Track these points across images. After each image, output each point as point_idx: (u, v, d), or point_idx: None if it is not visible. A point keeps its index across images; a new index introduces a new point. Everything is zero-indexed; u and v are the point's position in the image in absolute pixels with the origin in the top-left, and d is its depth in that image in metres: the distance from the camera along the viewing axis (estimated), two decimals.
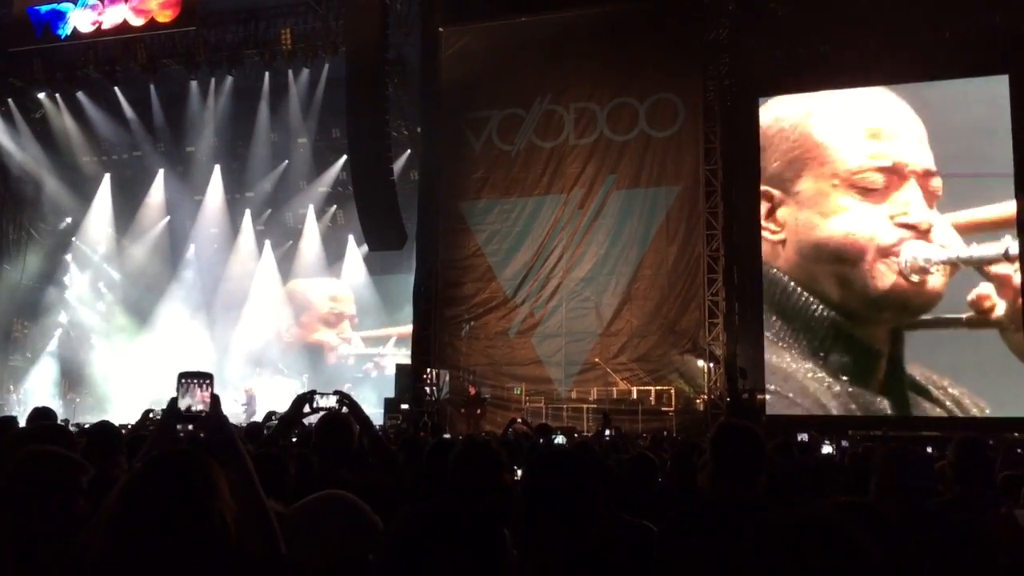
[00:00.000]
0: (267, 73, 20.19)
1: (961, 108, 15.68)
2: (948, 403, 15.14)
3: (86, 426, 7.04)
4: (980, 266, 15.18)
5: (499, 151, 18.12)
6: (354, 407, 4.21)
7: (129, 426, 7.60)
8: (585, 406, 15.93)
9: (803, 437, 9.56)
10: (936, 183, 15.42)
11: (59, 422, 6.61)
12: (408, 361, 18.51)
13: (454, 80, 18.31)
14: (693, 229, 16.72)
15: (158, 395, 20.30)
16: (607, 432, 10.68)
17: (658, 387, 16.06)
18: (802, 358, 16.08)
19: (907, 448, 3.40)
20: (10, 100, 21.37)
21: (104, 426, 4.23)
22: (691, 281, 16.65)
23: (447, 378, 17.54)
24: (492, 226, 18.03)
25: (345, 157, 20.07)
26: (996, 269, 15.10)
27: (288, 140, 21.59)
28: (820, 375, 15.90)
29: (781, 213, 16.49)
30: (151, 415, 7.05)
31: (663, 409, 15.70)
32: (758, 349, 16.46)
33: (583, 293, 17.26)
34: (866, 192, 15.75)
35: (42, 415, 5.76)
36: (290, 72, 20.06)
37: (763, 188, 16.65)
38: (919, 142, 15.64)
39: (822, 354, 16.01)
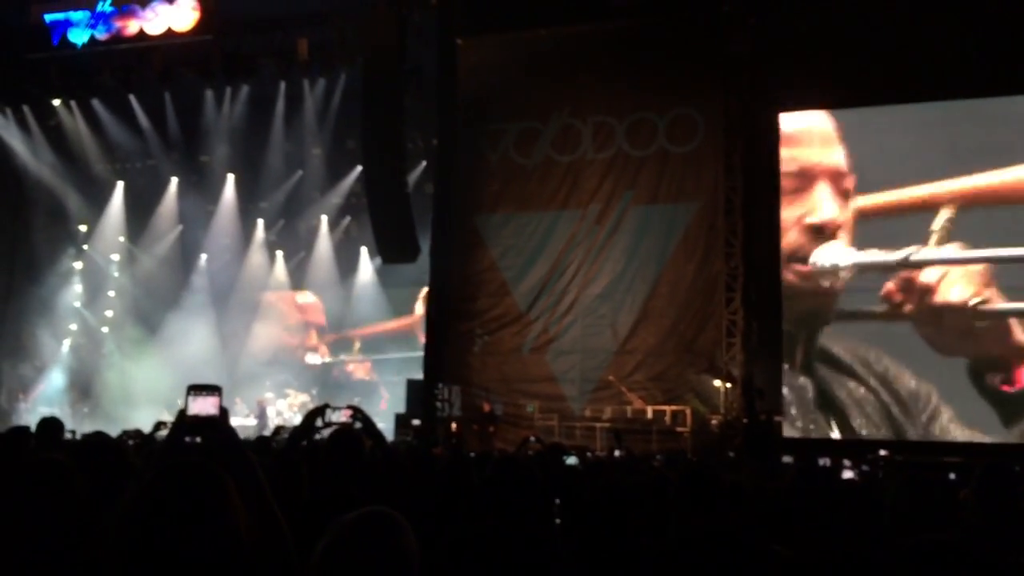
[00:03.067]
0: (283, 83, 20.13)
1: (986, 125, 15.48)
2: (872, 381, 15.38)
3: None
4: (886, 271, 15.57)
5: (516, 164, 17.98)
6: (367, 422, 4.16)
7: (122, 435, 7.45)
8: (598, 425, 15.70)
9: (824, 462, 9.38)
10: (849, 181, 15.88)
11: (66, 432, 6.46)
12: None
13: (471, 92, 18.20)
14: (712, 246, 16.51)
15: (169, 405, 20.26)
16: (616, 452, 10.50)
17: (673, 407, 15.81)
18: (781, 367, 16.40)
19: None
20: (25, 107, 21.38)
21: (97, 438, 4.10)
22: (709, 299, 16.44)
23: (459, 394, 17.36)
24: (507, 240, 17.87)
25: (360, 168, 19.99)
26: (901, 273, 15.47)
27: (303, 150, 21.53)
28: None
29: None
30: (162, 426, 6.97)
31: (678, 429, 15.47)
32: (776, 370, 16.21)
33: (599, 310, 17.06)
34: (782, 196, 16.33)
35: (49, 425, 5.62)
36: (306, 82, 20.00)
37: None
38: (828, 141, 16.19)
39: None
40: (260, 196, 22.56)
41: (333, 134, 20.79)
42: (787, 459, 11.44)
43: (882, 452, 12.81)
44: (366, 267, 22.85)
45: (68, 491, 2.47)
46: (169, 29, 18.66)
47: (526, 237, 17.75)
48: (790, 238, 16.16)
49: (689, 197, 16.87)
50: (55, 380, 22.66)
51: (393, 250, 18.01)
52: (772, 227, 16.43)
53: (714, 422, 15.87)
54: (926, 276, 15.27)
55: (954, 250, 15.13)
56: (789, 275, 16.15)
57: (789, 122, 16.66)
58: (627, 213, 17.18)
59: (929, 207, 15.31)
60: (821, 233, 15.92)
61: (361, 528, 2.15)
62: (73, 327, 23.00)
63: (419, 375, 18.01)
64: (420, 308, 21.81)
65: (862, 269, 15.67)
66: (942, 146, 15.53)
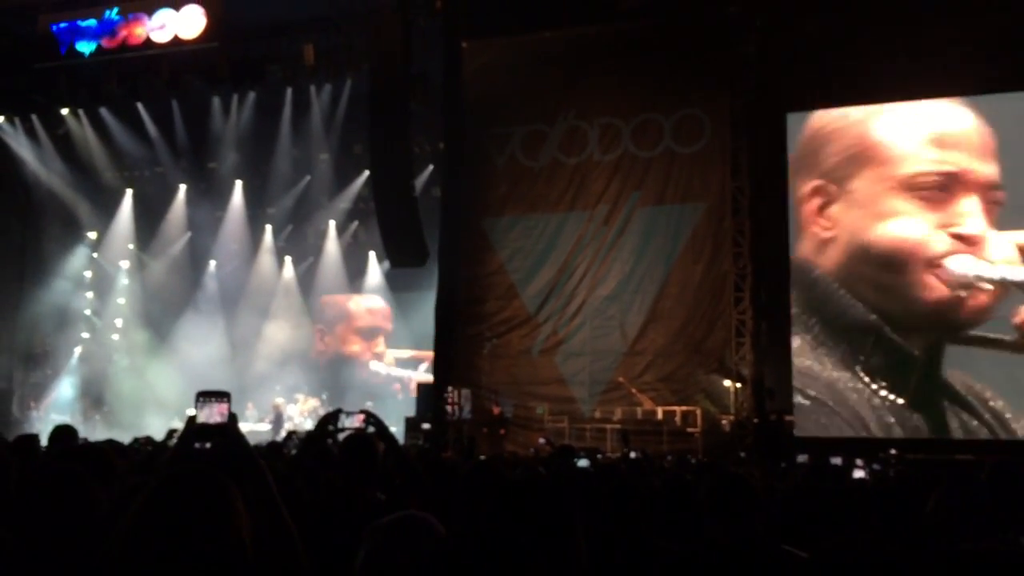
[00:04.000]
0: (289, 89, 20.16)
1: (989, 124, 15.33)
2: (987, 416, 14.49)
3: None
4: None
5: (522, 167, 17.99)
6: (380, 426, 4.16)
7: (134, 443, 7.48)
8: (608, 426, 15.68)
9: (836, 461, 9.35)
10: (998, 196, 14.77)
11: (79, 440, 6.49)
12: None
13: (477, 95, 18.22)
14: (720, 247, 16.49)
15: (180, 412, 20.32)
16: (632, 453, 10.49)
17: (683, 407, 15.80)
18: (842, 365, 15.55)
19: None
20: (34, 117, 21.45)
21: (100, 446, 4.13)
22: (717, 300, 16.42)
23: (469, 397, 17.36)
24: (515, 243, 17.88)
25: (367, 173, 20.00)
26: None
27: (310, 156, 21.57)
28: (857, 383, 15.35)
29: (834, 210, 15.88)
30: (175, 434, 7.00)
31: (688, 430, 15.46)
32: (785, 369, 16.16)
33: (607, 311, 17.05)
34: (922, 198, 15.14)
35: (62, 433, 5.63)
36: (312, 88, 20.02)
37: (818, 183, 16.02)
38: (984, 153, 15.00)
39: (861, 358, 15.38)
40: (268, 202, 22.61)
41: (340, 139, 20.83)
42: (802, 458, 11.39)
43: (892, 451, 12.76)
44: (374, 272, 22.88)
45: (85, 500, 2.48)
46: (176, 37, 18.69)
47: (534, 239, 17.76)
48: (931, 245, 14.92)
49: (696, 197, 16.85)
50: (67, 388, 22.72)
51: (401, 254, 18.02)
52: (780, 226, 16.40)
53: (724, 422, 15.84)
54: None
55: None
56: (922, 287, 14.92)
57: (940, 119, 15.37)
58: (634, 214, 17.17)
59: None
60: (966, 243, 14.74)
61: (400, 532, 2.19)
62: (84, 335, 23.06)
63: None
64: None
65: (1004, 286, 14.53)
66: None
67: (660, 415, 15.71)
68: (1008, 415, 14.47)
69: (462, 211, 18.23)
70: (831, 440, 15.00)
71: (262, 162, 21.71)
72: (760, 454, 13.98)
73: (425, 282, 19.51)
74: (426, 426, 16.36)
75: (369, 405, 18.46)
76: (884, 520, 3.75)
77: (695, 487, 4.94)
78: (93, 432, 18.19)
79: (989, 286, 14.58)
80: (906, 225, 15.15)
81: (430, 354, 21.27)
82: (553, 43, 17.75)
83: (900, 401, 15.07)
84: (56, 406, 22.02)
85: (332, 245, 23.08)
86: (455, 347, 17.82)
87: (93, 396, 22.48)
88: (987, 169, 14.92)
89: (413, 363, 23.17)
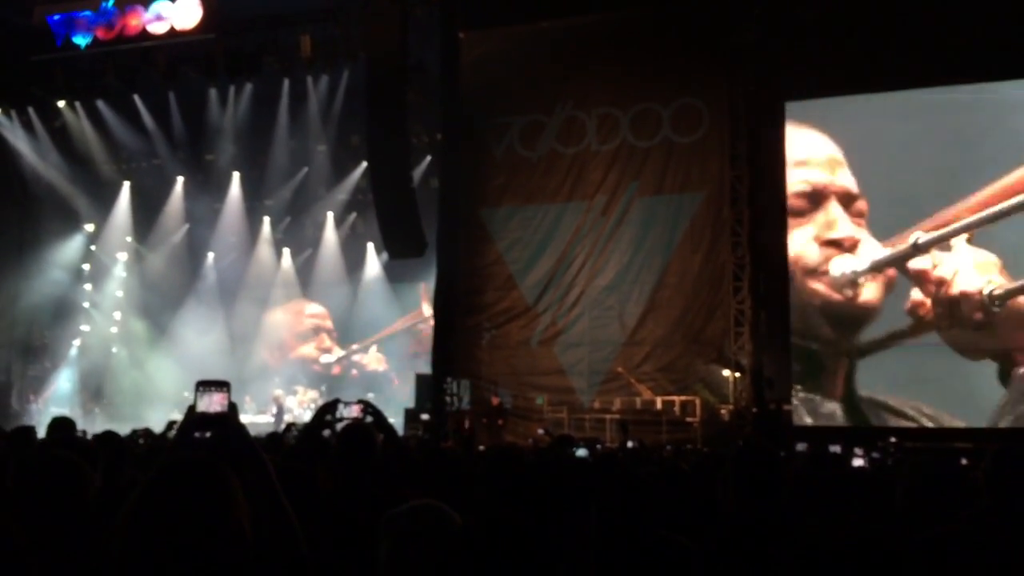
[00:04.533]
0: (286, 80, 20.14)
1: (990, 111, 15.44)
2: (926, 422, 15.21)
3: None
4: (900, 266, 15.51)
5: (520, 157, 17.95)
6: (378, 417, 4.16)
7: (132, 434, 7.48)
8: (608, 416, 15.69)
9: (835, 449, 9.37)
10: (860, 204, 15.89)
11: (77, 432, 6.49)
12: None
13: (475, 86, 18.17)
14: (718, 236, 16.47)
15: (179, 403, 20.32)
16: (630, 442, 10.52)
17: (682, 397, 15.81)
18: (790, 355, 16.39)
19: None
20: (30, 109, 21.42)
21: (108, 435, 4.13)
22: (716, 289, 16.40)
23: (468, 388, 17.37)
24: (513, 233, 17.85)
25: (365, 164, 19.98)
26: (914, 265, 15.39)
27: (307, 147, 21.54)
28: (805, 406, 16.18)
29: None
30: (175, 426, 7.00)
31: (687, 420, 15.47)
32: (784, 359, 16.19)
33: (606, 302, 17.03)
34: (794, 215, 16.31)
35: (61, 425, 5.64)
36: (309, 79, 19.99)
37: None
38: (837, 167, 16.19)
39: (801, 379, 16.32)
40: (266, 194, 22.59)
41: (338, 130, 20.81)
42: (801, 447, 11.42)
43: (892, 439, 12.78)
44: (373, 263, 22.87)
45: (81, 488, 2.49)
46: (172, 28, 18.64)
47: (532, 230, 17.73)
48: (809, 256, 16.10)
49: (695, 187, 16.82)
50: (66, 380, 22.73)
51: (399, 245, 18.01)
52: (778, 216, 16.40)
53: (724, 412, 15.85)
54: (940, 270, 15.20)
55: (958, 225, 15.12)
56: (812, 295, 16.04)
57: (797, 146, 16.61)
58: (633, 204, 17.14)
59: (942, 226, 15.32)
60: (840, 247, 15.89)
61: (419, 520, 2.20)
62: (83, 327, 23.05)
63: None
64: (427, 310, 21.96)
65: (879, 269, 15.60)
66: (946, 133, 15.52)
67: (659, 405, 15.72)
68: (941, 421, 15.15)
69: (460, 202, 18.22)
70: (830, 429, 15.08)
71: (260, 154, 21.69)
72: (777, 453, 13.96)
73: (423, 273, 19.54)
74: (425, 417, 16.37)
75: (370, 396, 18.49)
76: (882, 507, 3.76)
77: (692, 475, 4.96)
78: (93, 424, 18.19)
79: (865, 277, 15.66)
80: (790, 242, 16.35)
81: (377, 336, 21.43)
82: (551, 33, 17.71)
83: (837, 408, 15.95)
84: (55, 399, 22.03)
85: (330, 236, 23.07)
86: (454, 338, 17.82)
87: (92, 388, 22.50)
88: (840, 179, 16.13)
89: (364, 348, 23.59)
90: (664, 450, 10.93)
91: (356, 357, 23.66)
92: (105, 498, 2.63)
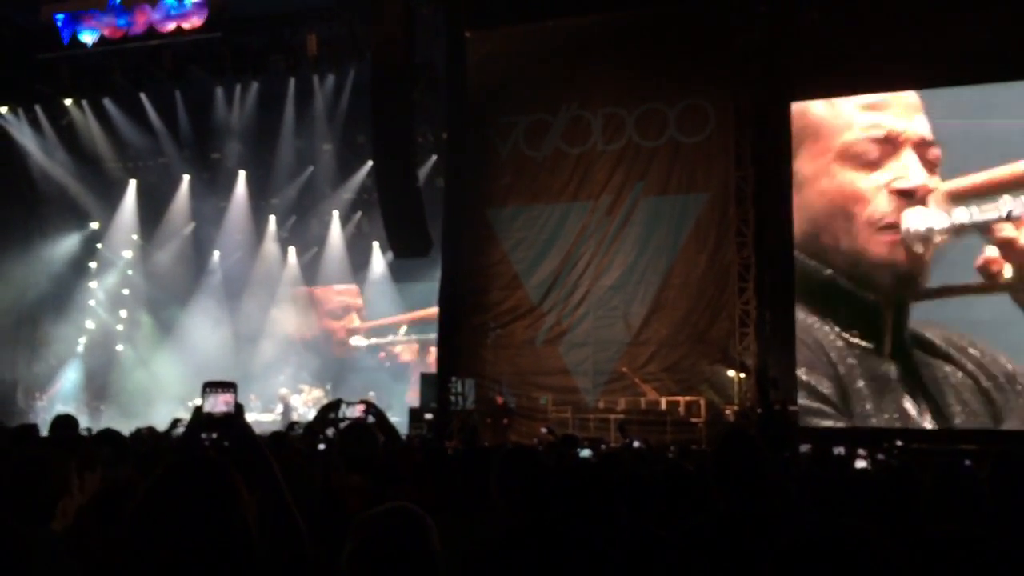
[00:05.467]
0: (292, 79, 20.15)
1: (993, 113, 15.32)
2: (970, 365, 14.76)
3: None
4: (984, 231, 14.89)
5: (526, 157, 17.94)
6: (380, 417, 4.17)
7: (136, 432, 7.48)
8: (612, 416, 15.65)
9: (839, 451, 9.36)
10: (935, 152, 15.25)
11: (81, 430, 6.51)
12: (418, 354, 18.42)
13: (480, 85, 18.17)
14: (723, 236, 16.45)
15: (184, 401, 20.36)
16: (636, 443, 10.49)
17: (687, 398, 15.78)
18: (821, 322, 15.96)
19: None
20: (37, 107, 21.48)
21: (107, 433, 4.14)
22: (721, 289, 16.38)
23: (473, 387, 17.37)
24: (518, 233, 17.84)
25: (370, 163, 20.00)
26: (1001, 232, 14.78)
27: (313, 146, 21.56)
28: (834, 338, 15.74)
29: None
30: (179, 423, 7.02)
31: (692, 420, 15.44)
32: (789, 359, 16.15)
33: (611, 302, 17.02)
34: (862, 163, 15.67)
35: (64, 422, 5.66)
36: (315, 78, 20.00)
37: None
38: (913, 112, 15.63)
39: (836, 313, 15.85)
40: (271, 192, 22.60)
41: (343, 129, 20.81)
42: (805, 448, 11.42)
43: (898, 442, 12.76)
44: (378, 262, 22.89)
45: (62, 487, 2.50)
46: (179, 27, 18.68)
47: (537, 229, 17.72)
48: (877, 205, 15.39)
49: (700, 187, 16.80)
50: (71, 378, 22.80)
51: (405, 245, 18.02)
52: (784, 216, 16.36)
53: (728, 413, 15.83)
54: None
55: None
56: (876, 247, 15.39)
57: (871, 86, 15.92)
58: (638, 204, 17.13)
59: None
60: (911, 198, 15.19)
61: (387, 525, 2.17)
62: (88, 325, 23.11)
63: None
64: None
65: (958, 232, 14.88)
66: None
67: (664, 405, 15.70)
68: (986, 358, 14.73)
69: (465, 201, 18.20)
70: (835, 430, 15.05)
71: (265, 152, 21.73)
72: (763, 444, 13.95)
73: (428, 272, 19.54)
74: (429, 416, 16.39)
75: (371, 396, 18.51)
76: (883, 508, 3.74)
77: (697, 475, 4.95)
78: (98, 422, 18.24)
79: (944, 236, 15.00)
80: (850, 190, 15.69)
81: (408, 316, 21.39)
82: (556, 32, 17.69)
83: (873, 354, 15.45)
84: (60, 396, 22.10)
85: (336, 235, 23.08)
86: (459, 337, 17.82)
87: (97, 386, 22.56)
88: (918, 127, 15.49)
89: (393, 328, 23.25)
90: (668, 450, 10.92)
91: (395, 347, 23.49)
92: (103, 496, 2.64)
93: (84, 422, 7.17)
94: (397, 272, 22.38)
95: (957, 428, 14.70)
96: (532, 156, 17.91)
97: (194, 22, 18.59)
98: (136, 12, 18.93)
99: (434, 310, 19.53)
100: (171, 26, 18.73)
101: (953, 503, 3.31)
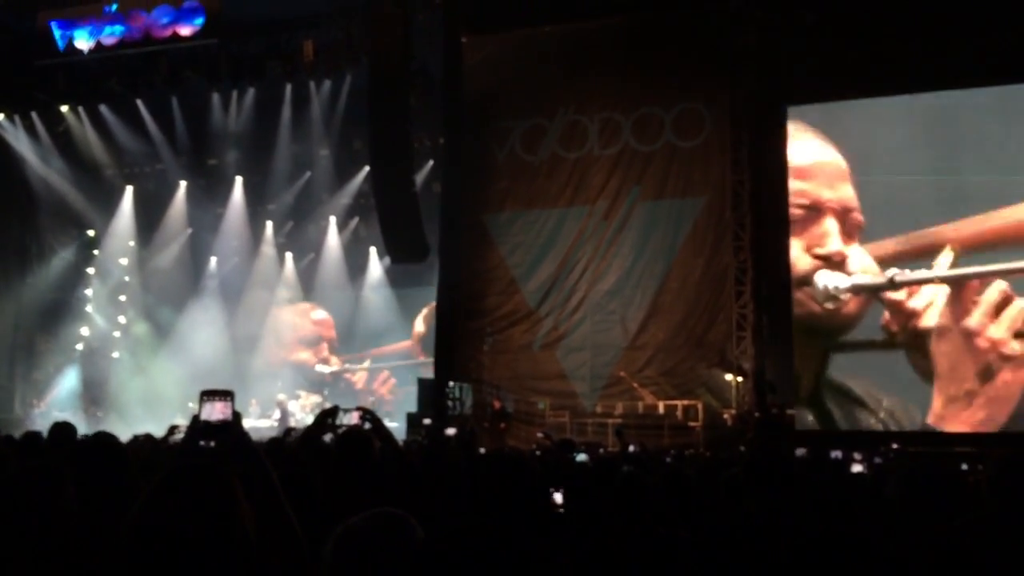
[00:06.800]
0: (289, 85, 20.15)
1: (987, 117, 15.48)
2: (882, 414, 15.53)
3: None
4: (876, 294, 15.78)
5: (523, 162, 17.97)
6: (377, 424, 4.17)
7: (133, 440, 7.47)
8: (610, 421, 15.64)
9: (836, 454, 9.35)
10: (855, 218, 16.02)
11: (78, 437, 6.50)
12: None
13: (477, 90, 18.20)
14: (720, 240, 16.48)
15: (182, 408, 20.32)
16: (632, 447, 10.48)
17: (685, 401, 15.78)
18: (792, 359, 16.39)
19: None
20: (34, 114, 21.46)
21: (101, 438, 4.12)
22: (718, 293, 16.41)
23: (470, 392, 17.36)
24: (515, 238, 17.86)
25: (367, 169, 19.97)
26: (889, 295, 15.67)
27: (310, 152, 21.55)
28: None
29: None
30: (175, 430, 7.01)
31: (690, 424, 15.43)
32: (787, 363, 16.17)
33: (608, 306, 17.04)
34: (790, 226, 16.41)
35: (62, 430, 5.64)
36: (312, 84, 19.99)
37: None
38: (837, 179, 16.24)
39: None
40: (268, 198, 22.57)
41: (340, 135, 20.81)
42: (800, 452, 11.42)
43: (894, 445, 12.77)
44: (375, 267, 22.86)
45: (57, 498, 2.49)
46: (175, 33, 18.71)
47: (534, 234, 17.74)
48: (798, 265, 16.26)
49: (697, 191, 16.83)
50: (68, 385, 22.74)
51: (402, 250, 18.02)
52: (780, 220, 16.39)
53: (726, 416, 15.83)
54: (913, 302, 15.50)
55: (933, 271, 15.40)
56: (796, 304, 16.21)
57: (799, 153, 16.63)
58: (635, 208, 17.16)
59: (932, 250, 15.51)
60: (828, 262, 16.05)
61: (369, 530, 2.16)
62: (85, 332, 23.07)
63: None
64: (420, 325, 22.10)
65: (857, 293, 15.88)
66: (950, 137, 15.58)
67: (661, 409, 15.70)
68: (899, 411, 15.46)
69: (462, 206, 18.22)
70: (832, 433, 15.09)
71: (262, 158, 21.69)
72: (761, 448, 13.96)
73: (426, 278, 19.53)
74: (427, 421, 16.35)
75: (370, 402, 18.50)
76: (878, 512, 3.76)
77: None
78: (95, 429, 18.20)
79: (848, 295, 15.91)
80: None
81: (376, 351, 21.50)
82: (553, 37, 17.74)
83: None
84: (57, 403, 22.03)
85: (333, 241, 23.05)
86: (456, 342, 17.81)
87: (94, 392, 22.51)
88: (840, 193, 16.18)
89: (359, 360, 23.52)
90: (667, 454, 10.89)
91: (347, 374, 23.74)
92: (97, 502, 2.64)
93: (82, 429, 7.15)
94: (394, 277, 22.35)
95: (953, 432, 14.76)
96: (529, 161, 17.94)
97: (190, 28, 18.61)
98: (132, 18, 18.94)
99: (398, 344, 19.72)
100: (167, 32, 18.74)
101: (934, 503, 3.31)
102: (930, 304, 15.42)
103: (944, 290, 15.31)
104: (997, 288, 15.01)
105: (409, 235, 17.42)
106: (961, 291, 15.15)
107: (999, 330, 14.92)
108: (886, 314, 15.66)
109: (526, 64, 17.91)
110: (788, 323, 16.23)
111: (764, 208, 16.48)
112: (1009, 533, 3.08)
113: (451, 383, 17.37)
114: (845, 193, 16.15)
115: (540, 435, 13.82)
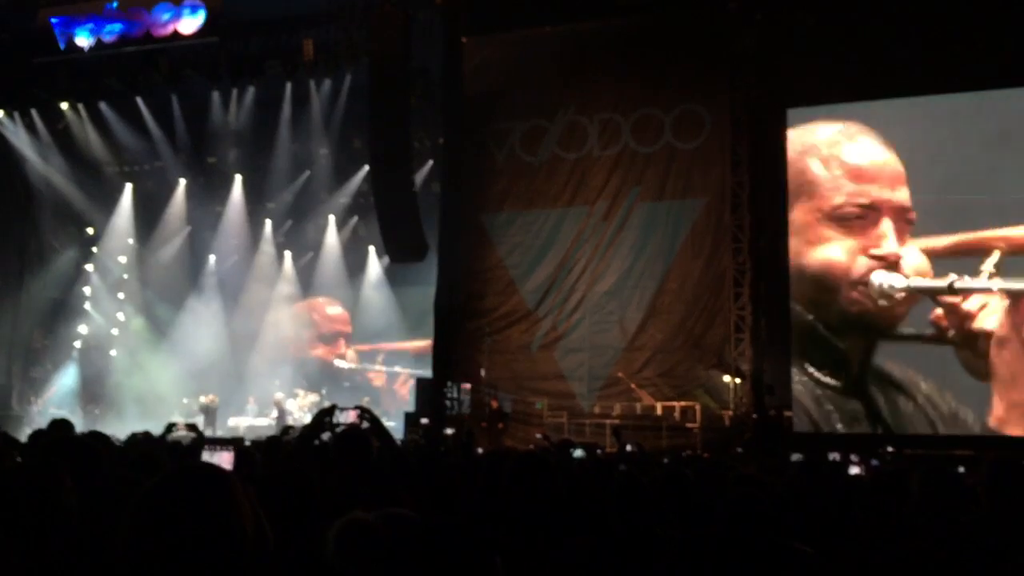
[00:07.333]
0: (289, 84, 20.15)
1: (988, 119, 15.46)
2: (920, 399, 15.60)
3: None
4: (932, 296, 15.75)
5: (522, 162, 17.97)
6: (375, 422, 4.18)
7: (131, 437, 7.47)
8: (608, 422, 15.64)
9: (834, 457, 9.39)
10: (910, 216, 15.98)
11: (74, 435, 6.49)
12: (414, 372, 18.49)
13: (477, 91, 18.19)
14: (719, 242, 16.49)
15: (179, 406, 20.33)
16: (628, 447, 10.49)
17: (683, 403, 15.77)
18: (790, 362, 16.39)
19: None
20: (33, 111, 21.46)
21: (92, 436, 4.12)
22: (717, 295, 16.41)
23: (468, 392, 17.36)
24: (514, 238, 17.86)
25: (367, 168, 19.99)
26: (945, 298, 15.64)
27: (309, 151, 21.56)
28: (804, 378, 16.26)
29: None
30: (174, 428, 7.02)
31: (688, 425, 15.43)
32: (785, 365, 16.18)
33: (607, 307, 17.04)
34: (844, 227, 16.26)
35: (60, 427, 5.65)
36: (312, 83, 20.00)
37: None
38: (895, 182, 16.13)
39: (806, 354, 16.35)
40: (268, 197, 22.59)
41: (340, 134, 20.82)
42: (796, 456, 11.44)
43: (889, 448, 12.79)
44: (374, 267, 22.88)
45: (54, 497, 2.49)
46: (175, 31, 18.71)
47: (533, 235, 17.74)
48: (854, 265, 16.16)
49: (696, 193, 16.84)
50: (66, 382, 22.75)
51: (401, 249, 18.03)
52: (779, 222, 16.40)
53: (724, 418, 15.84)
54: (967, 304, 15.47)
55: (993, 282, 15.40)
56: (849, 300, 16.12)
57: (856, 155, 16.45)
58: (634, 210, 17.16)
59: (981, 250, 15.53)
60: (883, 262, 15.98)
61: (370, 527, 2.17)
62: (83, 329, 23.07)
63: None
64: None
65: (913, 292, 15.83)
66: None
67: (659, 410, 15.69)
68: (935, 395, 15.56)
69: (461, 206, 18.21)
70: (829, 436, 15.11)
71: (262, 157, 21.71)
72: (758, 450, 13.99)
73: (424, 277, 19.52)
74: (425, 421, 16.36)
75: (366, 401, 18.50)
76: (875, 515, 3.77)
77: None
78: (93, 427, 18.19)
79: (902, 294, 15.84)
80: (832, 251, 16.38)
81: (388, 346, 21.44)
82: (553, 38, 17.73)
83: (839, 394, 16.13)
84: (56, 400, 22.04)
85: (332, 240, 23.06)
86: (454, 342, 17.82)
87: (93, 390, 22.51)
88: (898, 195, 16.06)
89: (372, 354, 23.57)
90: (663, 456, 10.90)
91: (369, 373, 23.74)
92: (90, 500, 2.63)
93: (80, 426, 7.15)
94: (393, 277, 22.37)
95: (950, 434, 14.79)
96: (528, 161, 17.94)
97: (191, 27, 18.61)
98: (133, 16, 18.94)
99: (409, 343, 19.80)
100: (168, 30, 18.74)
101: (942, 506, 3.33)
102: (984, 306, 15.46)
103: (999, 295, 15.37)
104: None
105: (408, 235, 17.43)
106: (1020, 301, 15.20)
107: None
108: (937, 310, 15.65)
109: (526, 65, 17.91)
110: (786, 325, 16.23)
111: (763, 210, 16.48)
112: (1005, 534, 3.10)
113: (449, 383, 17.37)
114: (901, 195, 16.05)
115: (539, 436, 13.83)
